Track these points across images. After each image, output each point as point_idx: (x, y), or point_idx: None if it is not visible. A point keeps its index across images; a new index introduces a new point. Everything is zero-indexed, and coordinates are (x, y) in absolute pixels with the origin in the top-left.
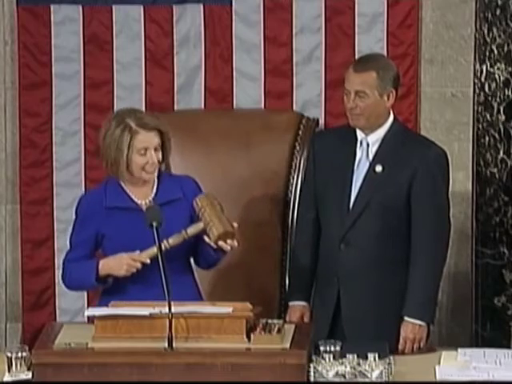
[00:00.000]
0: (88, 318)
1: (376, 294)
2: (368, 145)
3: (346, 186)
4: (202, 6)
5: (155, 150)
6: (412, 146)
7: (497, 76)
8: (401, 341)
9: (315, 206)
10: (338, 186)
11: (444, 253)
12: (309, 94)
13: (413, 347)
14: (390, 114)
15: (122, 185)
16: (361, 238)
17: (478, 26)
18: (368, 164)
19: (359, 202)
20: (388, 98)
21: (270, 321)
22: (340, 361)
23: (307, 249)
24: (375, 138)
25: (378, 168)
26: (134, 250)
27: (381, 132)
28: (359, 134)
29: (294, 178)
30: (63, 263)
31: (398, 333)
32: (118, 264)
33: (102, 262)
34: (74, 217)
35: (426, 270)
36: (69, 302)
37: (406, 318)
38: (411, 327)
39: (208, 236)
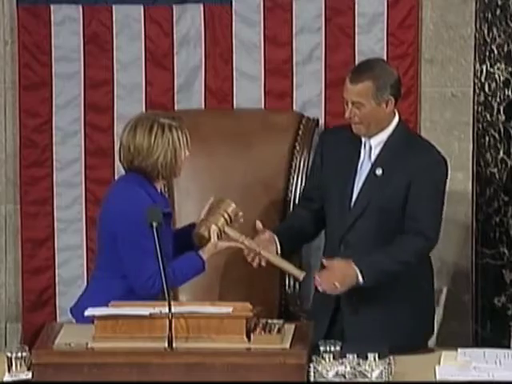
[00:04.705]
0: (88, 317)
1: (375, 296)
2: (371, 147)
3: (348, 186)
4: (202, 6)
5: None
6: (412, 150)
7: (497, 76)
8: (327, 265)
9: (314, 199)
10: (341, 184)
11: (415, 259)
12: (309, 94)
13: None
14: (394, 116)
15: (157, 187)
16: (359, 238)
17: (478, 26)
18: (369, 166)
19: (359, 203)
20: (386, 105)
21: (269, 321)
22: (340, 361)
23: (306, 212)
24: (377, 141)
25: (379, 171)
26: (167, 249)
27: (384, 135)
28: (363, 136)
29: (293, 178)
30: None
31: (397, 333)
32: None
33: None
34: (129, 228)
35: (398, 254)
36: (69, 301)
37: (352, 262)
38: (348, 268)
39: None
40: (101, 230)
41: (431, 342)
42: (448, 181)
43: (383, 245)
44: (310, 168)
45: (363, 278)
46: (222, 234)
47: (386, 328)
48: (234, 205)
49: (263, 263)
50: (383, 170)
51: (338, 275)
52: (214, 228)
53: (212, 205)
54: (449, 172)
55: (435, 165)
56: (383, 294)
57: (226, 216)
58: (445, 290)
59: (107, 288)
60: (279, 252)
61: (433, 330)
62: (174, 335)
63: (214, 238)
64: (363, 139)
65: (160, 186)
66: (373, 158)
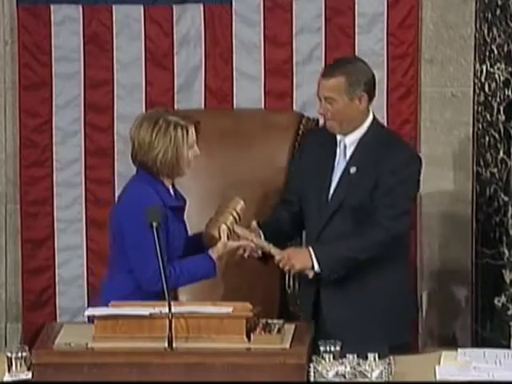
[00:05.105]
0: (88, 317)
1: (354, 294)
2: (345, 146)
3: (325, 185)
4: (202, 6)
5: None
6: (385, 149)
7: (497, 76)
8: (282, 253)
9: (293, 202)
10: (318, 183)
11: (375, 244)
12: (309, 93)
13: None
14: (368, 114)
15: (166, 183)
16: (335, 236)
17: (478, 26)
18: (344, 165)
19: (334, 201)
20: (360, 102)
21: (269, 321)
22: (340, 361)
23: (287, 213)
24: (352, 140)
25: (352, 169)
26: (172, 245)
27: (358, 134)
28: (338, 135)
29: None
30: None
31: (380, 331)
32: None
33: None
34: (135, 224)
35: (356, 242)
36: (69, 301)
37: (310, 248)
38: (304, 256)
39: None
40: (111, 228)
41: (431, 342)
42: (448, 181)
43: None
44: (289, 172)
45: (319, 264)
46: (231, 233)
47: (368, 326)
48: (242, 202)
49: (255, 255)
50: (357, 169)
51: (291, 254)
52: (223, 227)
53: (221, 204)
54: (421, 169)
55: (406, 162)
56: (362, 292)
57: (235, 214)
58: (445, 290)
59: (118, 284)
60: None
61: (408, 329)
62: (174, 335)
63: (223, 237)
64: (338, 138)
65: (168, 182)
66: (347, 156)
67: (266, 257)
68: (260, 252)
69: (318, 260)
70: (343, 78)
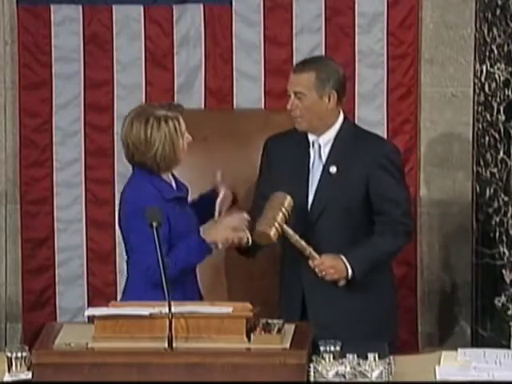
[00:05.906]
0: (88, 317)
1: (341, 297)
2: (320, 146)
3: (303, 188)
4: (202, 6)
5: None
6: (364, 144)
7: (497, 76)
8: (323, 259)
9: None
10: (294, 187)
11: (398, 246)
12: None
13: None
14: (339, 114)
15: (163, 177)
16: (321, 240)
17: (478, 26)
18: (322, 165)
19: (316, 204)
20: (329, 100)
21: (270, 321)
22: (340, 361)
23: None
24: (326, 139)
25: (332, 169)
26: (175, 236)
27: (331, 133)
28: (310, 136)
29: None
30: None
31: (368, 331)
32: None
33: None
34: (138, 219)
35: (384, 247)
36: (69, 301)
37: (342, 256)
38: (340, 265)
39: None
40: (120, 228)
41: (431, 343)
42: (448, 181)
43: (349, 243)
44: (258, 179)
45: (353, 271)
46: (281, 231)
47: (355, 329)
48: (290, 198)
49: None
50: (337, 168)
51: (329, 262)
52: (274, 231)
53: (269, 200)
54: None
55: (388, 154)
56: (350, 294)
57: (285, 211)
58: (445, 290)
59: (131, 280)
60: (249, 240)
61: (395, 330)
62: (174, 335)
63: (274, 238)
64: (311, 139)
65: (167, 174)
66: (324, 156)
67: (250, 251)
68: (247, 240)
69: (351, 266)
70: (313, 74)
